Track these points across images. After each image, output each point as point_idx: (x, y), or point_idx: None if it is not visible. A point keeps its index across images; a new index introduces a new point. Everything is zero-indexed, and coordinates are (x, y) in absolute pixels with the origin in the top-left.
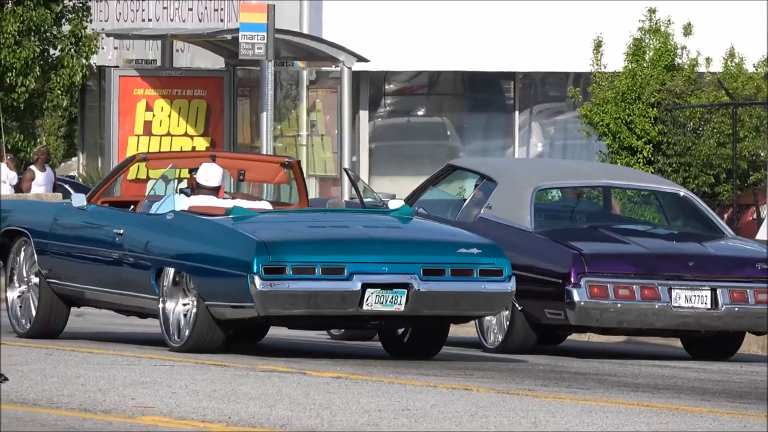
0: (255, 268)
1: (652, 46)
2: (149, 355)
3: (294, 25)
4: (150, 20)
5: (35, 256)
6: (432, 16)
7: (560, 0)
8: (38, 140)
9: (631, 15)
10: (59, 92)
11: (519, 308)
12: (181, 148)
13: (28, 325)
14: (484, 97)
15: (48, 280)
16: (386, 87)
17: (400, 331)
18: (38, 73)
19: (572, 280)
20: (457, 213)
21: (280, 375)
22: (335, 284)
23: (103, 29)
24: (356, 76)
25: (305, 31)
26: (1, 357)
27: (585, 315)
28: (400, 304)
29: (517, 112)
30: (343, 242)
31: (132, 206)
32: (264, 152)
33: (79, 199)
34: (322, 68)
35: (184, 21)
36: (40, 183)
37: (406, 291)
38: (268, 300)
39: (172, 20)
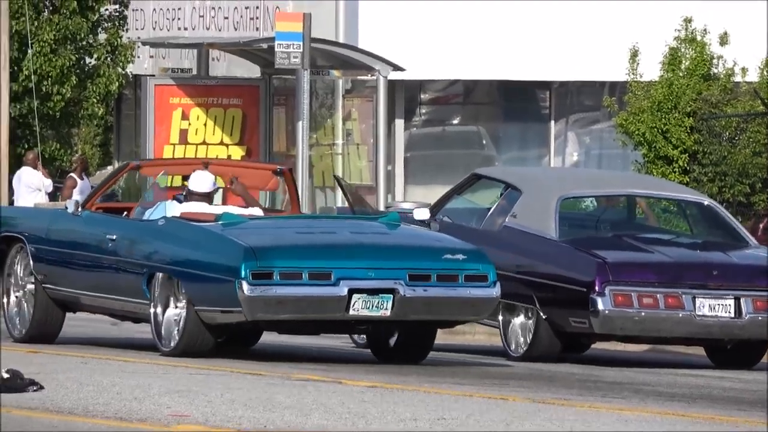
0: (243, 273)
1: (688, 56)
2: (184, 364)
3: (330, 33)
4: (186, 29)
5: (31, 261)
6: (468, 25)
7: (596, 9)
8: (74, 149)
9: (667, 24)
10: (95, 101)
11: (543, 316)
12: (217, 156)
13: (24, 329)
14: (519, 106)
15: (43, 285)
16: (422, 96)
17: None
18: (74, 82)
19: (596, 288)
20: (481, 222)
21: (315, 384)
22: (322, 289)
23: (139, 38)
24: (392, 84)
25: (341, 40)
26: (23, 364)
27: (609, 323)
28: (386, 309)
29: (552, 122)
30: (330, 248)
31: (126, 212)
32: (300, 161)
33: (72, 205)
34: (358, 77)
35: (219, 30)
36: (78, 191)
37: (392, 296)
38: (256, 305)
39: (207, 29)
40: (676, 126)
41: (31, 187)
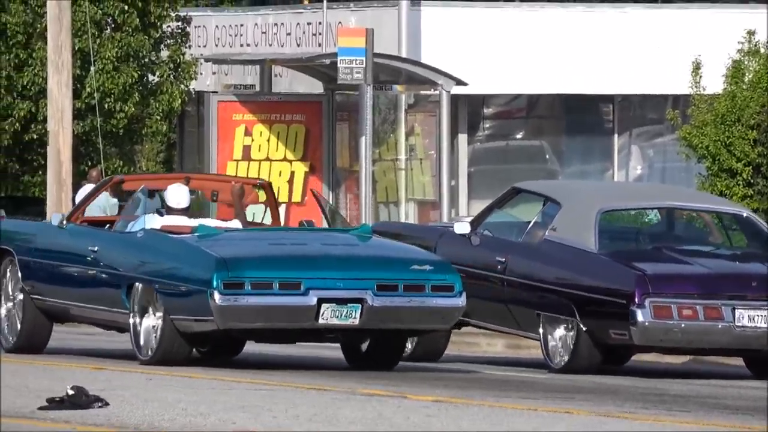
0: (215, 283)
1: (751, 68)
2: (249, 380)
3: (393, 49)
4: (248, 45)
5: (19, 273)
6: (530, 40)
7: (659, 23)
8: (137, 166)
9: (730, 37)
10: (158, 118)
11: (584, 328)
12: (280, 173)
13: (13, 340)
14: (582, 120)
15: (31, 296)
16: (485, 110)
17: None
18: (137, 99)
19: (636, 300)
20: (522, 235)
21: (380, 399)
22: (292, 299)
23: (201, 55)
24: (455, 99)
25: (404, 55)
26: (68, 380)
27: (649, 335)
28: (354, 318)
29: (616, 135)
30: (300, 259)
31: (108, 225)
32: (363, 177)
33: (57, 218)
34: (421, 92)
35: (282, 46)
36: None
37: (360, 306)
38: (228, 314)
39: (270, 45)
40: (740, 139)
41: (94, 205)
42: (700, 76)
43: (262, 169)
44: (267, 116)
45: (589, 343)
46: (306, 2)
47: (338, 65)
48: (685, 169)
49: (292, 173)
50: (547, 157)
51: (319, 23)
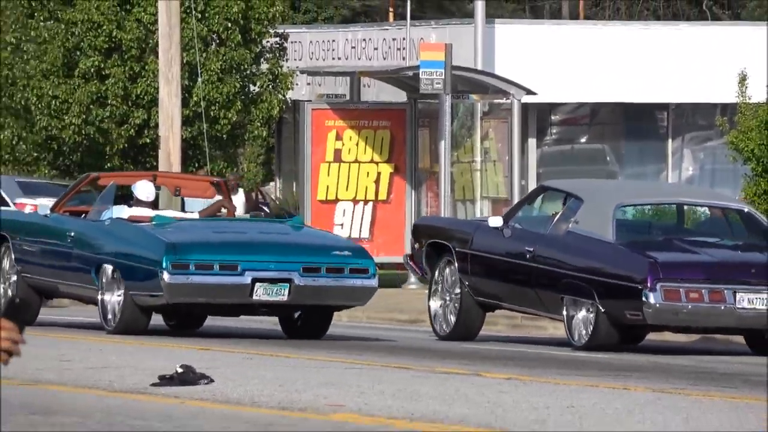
0: (164, 264)
1: None
2: (340, 359)
3: (469, 61)
4: (339, 59)
5: (13, 255)
6: (593, 53)
7: (710, 37)
8: (239, 167)
9: None
10: (258, 124)
11: (602, 310)
12: (368, 173)
13: None
14: (639, 126)
15: (23, 275)
16: (552, 117)
17: (296, 316)
18: (239, 107)
19: (649, 285)
20: (548, 228)
21: (457, 377)
22: (230, 278)
23: (297, 67)
24: (525, 107)
25: (479, 67)
26: (186, 361)
27: (660, 316)
28: (283, 295)
29: (670, 140)
30: (238, 245)
31: (84, 215)
32: (442, 177)
33: (44, 209)
34: (495, 101)
35: (369, 59)
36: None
37: (288, 285)
38: (175, 291)
39: (359, 59)
40: None
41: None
42: (746, 87)
43: (351, 170)
44: (356, 122)
45: (607, 323)
46: (391, 20)
47: (420, 77)
48: (732, 171)
49: (378, 174)
50: (608, 159)
51: (403, 39)
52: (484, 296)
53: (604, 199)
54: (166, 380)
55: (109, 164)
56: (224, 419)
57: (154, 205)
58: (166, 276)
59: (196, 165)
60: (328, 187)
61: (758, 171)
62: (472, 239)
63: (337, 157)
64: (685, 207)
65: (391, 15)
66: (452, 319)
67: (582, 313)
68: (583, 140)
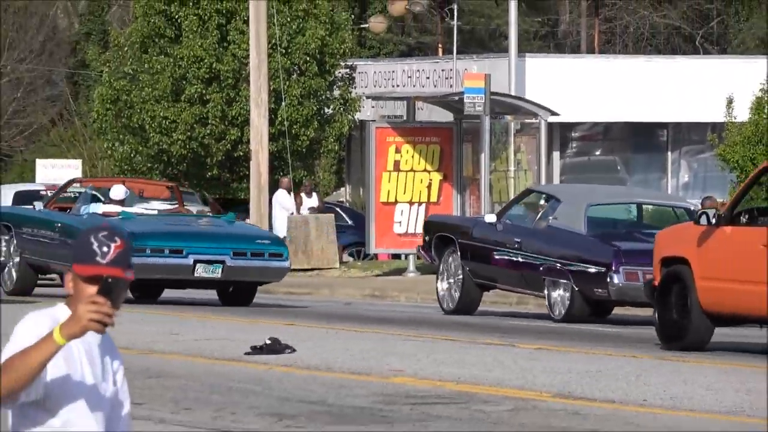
0: None
1: None
2: (398, 333)
3: (504, 88)
4: (398, 86)
5: (15, 241)
6: (605, 81)
7: (703, 67)
8: (316, 175)
9: (754, 79)
10: (332, 140)
11: (576, 289)
12: (422, 180)
13: (11, 286)
14: (644, 141)
15: (23, 255)
16: (572, 134)
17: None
18: (316, 126)
19: (613, 268)
20: (533, 222)
21: (495, 347)
22: (177, 260)
23: (363, 93)
24: (550, 126)
25: (512, 92)
26: (234, 331)
27: (622, 293)
28: (217, 273)
29: (669, 152)
30: (184, 234)
31: (69, 210)
32: (482, 183)
33: (39, 206)
34: (525, 120)
35: (423, 86)
36: (307, 206)
37: (222, 265)
38: (136, 270)
39: (414, 86)
40: (762, 155)
41: (284, 207)
42: (732, 108)
43: (408, 177)
44: (412, 138)
45: (580, 299)
46: (440, 54)
47: (464, 101)
48: (721, 178)
49: (430, 181)
50: (619, 168)
51: (450, 70)
52: (482, 278)
53: (578, 200)
54: (257, 350)
55: (209, 173)
56: (305, 382)
57: (123, 203)
58: None
59: (281, 174)
60: (389, 191)
61: (742, 178)
62: (472, 232)
63: (396, 167)
64: (643, 206)
65: (440, 50)
66: (456, 296)
67: (560, 292)
68: (597, 153)
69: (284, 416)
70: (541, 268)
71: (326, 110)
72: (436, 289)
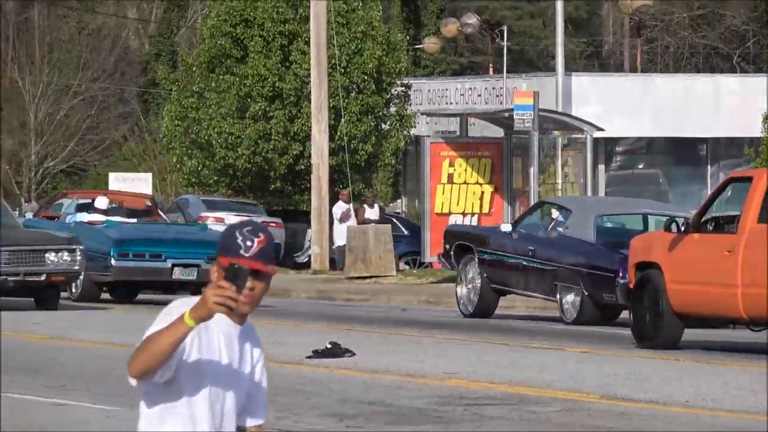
0: (112, 253)
1: None
2: (448, 337)
3: (552, 105)
4: (451, 103)
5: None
6: (648, 98)
7: (740, 86)
8: (374, 188)
9: None
10: (388, 154)
11: (586, 294)
12: (474, 192)
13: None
14: (685, 155)
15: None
16: (617, 148)
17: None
18: (373, 141)
19: (620, 274)
20: (545, 232)
21: (545, 351)
22: (157, 263)
23: (418, 110)
24: (596, 140)
25: (560, 109)
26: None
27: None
28: (193, 275)
29: (708, 166)
30: (163, 240)
31: (57, 218)
32: (531, 195)
33: (30, 215)
34: (572, 135)
35: (475, 103)
36: (368, 216)
37: (197, 268)
38: (119, 272)
39: (467, 103)
40: None
41: (336, 218)
42: None
43: (461, 189)
44: (465, 153)
45: (590, 303)
46: (491, 73)
47: (514, 117)
48: None
49: (482, 192)
50: (661, 181)
51: (501, 87)
52: (498, 284)
53: (587, 211)
54: (318, 353)
55: (273, 186)
56: (364, 384)
57: (106, 213)
58: (113, 261)
59: (341, 186)
60: (443, 203)
61: None
62: (489, 241)
63: (450, 179)
64: (648, 216)
65: (491, 69)
66: (475, 301)
67: (571, 296)
68: (640, 166)
69: (344, 416)
70: (553, 275)
71: (383, 126)
72: (456, 293)
